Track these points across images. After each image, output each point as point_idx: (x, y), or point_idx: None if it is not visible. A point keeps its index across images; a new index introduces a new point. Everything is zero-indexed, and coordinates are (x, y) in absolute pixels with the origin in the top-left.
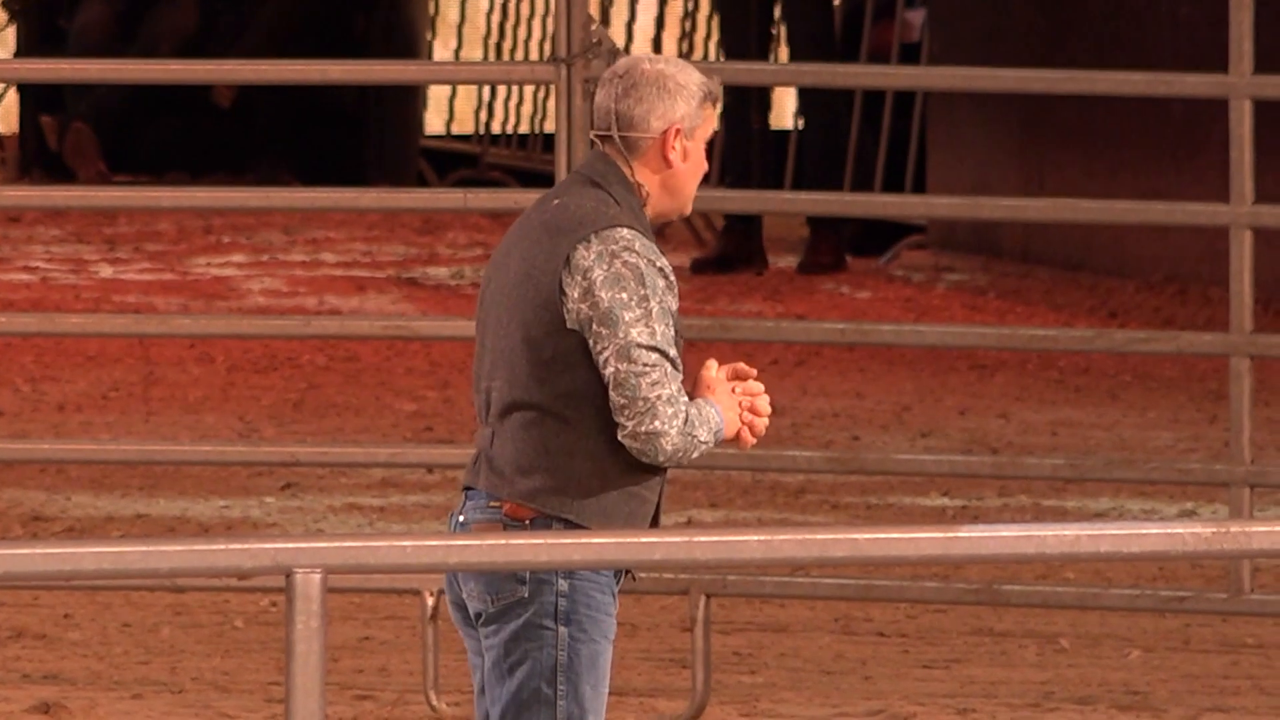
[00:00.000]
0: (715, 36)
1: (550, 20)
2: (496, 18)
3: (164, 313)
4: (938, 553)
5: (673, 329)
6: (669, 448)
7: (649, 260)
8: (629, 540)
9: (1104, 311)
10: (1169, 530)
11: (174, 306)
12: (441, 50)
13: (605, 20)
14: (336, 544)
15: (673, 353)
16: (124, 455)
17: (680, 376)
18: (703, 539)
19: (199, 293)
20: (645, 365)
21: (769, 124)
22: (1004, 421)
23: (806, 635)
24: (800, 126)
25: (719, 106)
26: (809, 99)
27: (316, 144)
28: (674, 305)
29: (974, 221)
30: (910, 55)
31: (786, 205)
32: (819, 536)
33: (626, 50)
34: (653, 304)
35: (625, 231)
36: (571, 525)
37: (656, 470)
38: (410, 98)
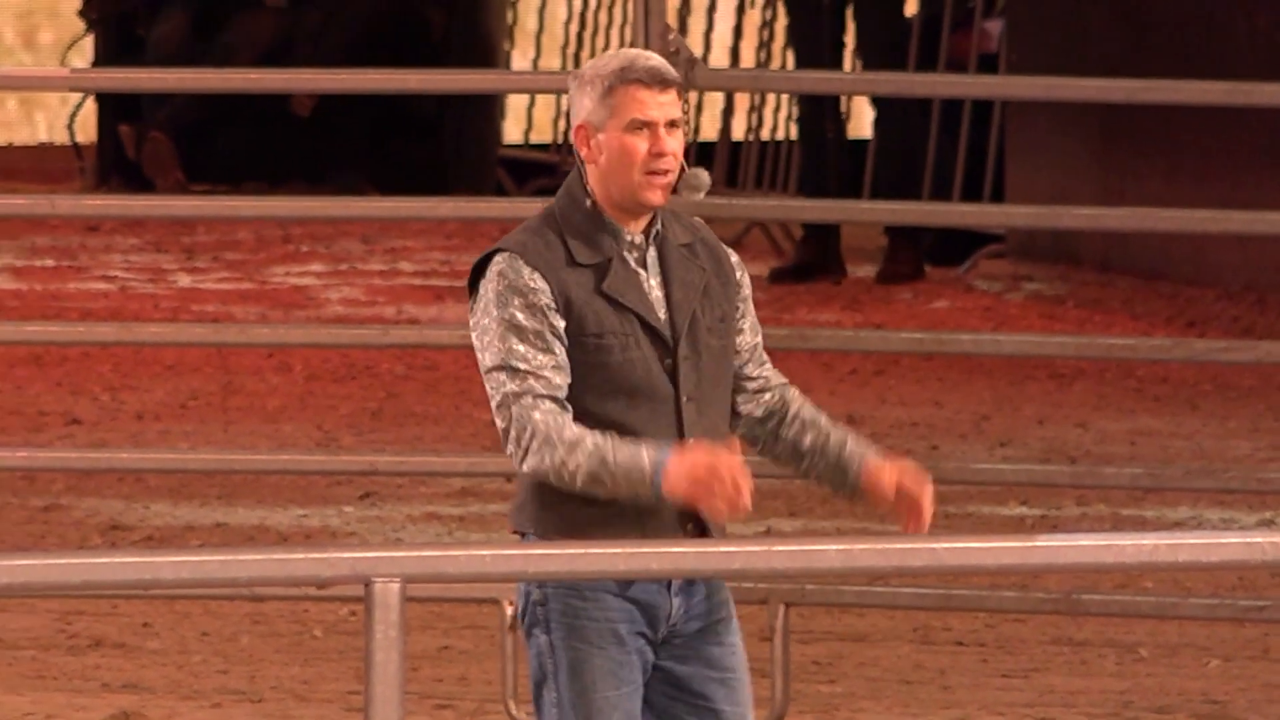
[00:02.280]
0: None
1: (628, 30)
2: (574, 27)
3: (242, 322)
4: (1016, 562)
5: (532, 340)
6: (537, 468)
7: (509, 282)
8: (708, 550)
9: (1183, 321)
10: (1248, 539)
11: (252, 316)
12: (520, 59)
13: (683, 30)
14: (415, 553)
15: (522, 365)
16: (202, 464)
17: (549, 381)
18: (781, 548)
19: (277, 302)
20: (492, 389)
21: (845, 133)
22: (1082, 431)
23: (885, 644)
24: (877, 136)
25: (648, 84)
26: (886, 108)
27: (395, 153)
28: (552, 321)
29: (1053, 231)
30: (988, 64)
31: (864, 214)
32: (898, 546)
33: (704, 60)
34: (493, 322)
35: (498, 257)
36: (539, 539)
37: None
38: (488, 107)
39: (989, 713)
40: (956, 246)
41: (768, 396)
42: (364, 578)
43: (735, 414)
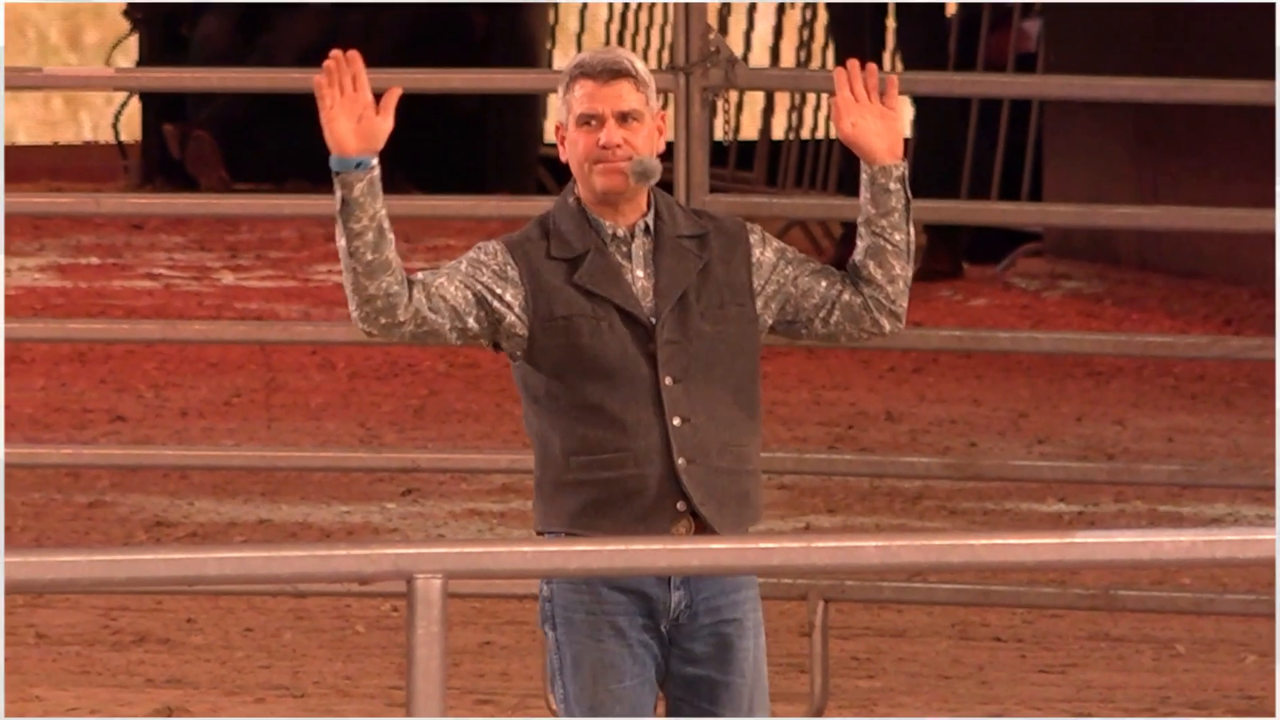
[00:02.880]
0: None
1: (669, 29)
2: (615, 27)
3: (286, 320)
4: (1054, 558)
5: (447, 272)
6: (354, 311)
7: (475, 250)
8: (747, 546)
9: (1220, 318)
10: None
11: (295, 313)
12: (561, 59)
13: (724, 29)
14: (457, 549)
15: (435, 279)
16: (246, 461)
17: (426, 282)
18: (821, 545)
19: (320, 299)
20: None
21: None
22: (1120, 428)
23: (924, 640)
24: (916, 134)
25: (594, 76)
26: (925, 108)
27: (437, 152)
28: (481, 277)
29: (1090, 229)
30: (1026, 64)
31: None
32: (936, 542)
33: (745, 59)
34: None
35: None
36: (552, 535)
37: (596, 450)
38: (530, 106)
39: (1027, 708)
40: (994, 244)
41: (851, 288)
42: (406, 574)
43: (864, 304)
